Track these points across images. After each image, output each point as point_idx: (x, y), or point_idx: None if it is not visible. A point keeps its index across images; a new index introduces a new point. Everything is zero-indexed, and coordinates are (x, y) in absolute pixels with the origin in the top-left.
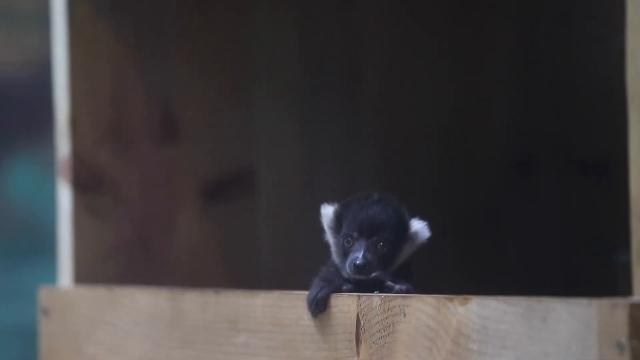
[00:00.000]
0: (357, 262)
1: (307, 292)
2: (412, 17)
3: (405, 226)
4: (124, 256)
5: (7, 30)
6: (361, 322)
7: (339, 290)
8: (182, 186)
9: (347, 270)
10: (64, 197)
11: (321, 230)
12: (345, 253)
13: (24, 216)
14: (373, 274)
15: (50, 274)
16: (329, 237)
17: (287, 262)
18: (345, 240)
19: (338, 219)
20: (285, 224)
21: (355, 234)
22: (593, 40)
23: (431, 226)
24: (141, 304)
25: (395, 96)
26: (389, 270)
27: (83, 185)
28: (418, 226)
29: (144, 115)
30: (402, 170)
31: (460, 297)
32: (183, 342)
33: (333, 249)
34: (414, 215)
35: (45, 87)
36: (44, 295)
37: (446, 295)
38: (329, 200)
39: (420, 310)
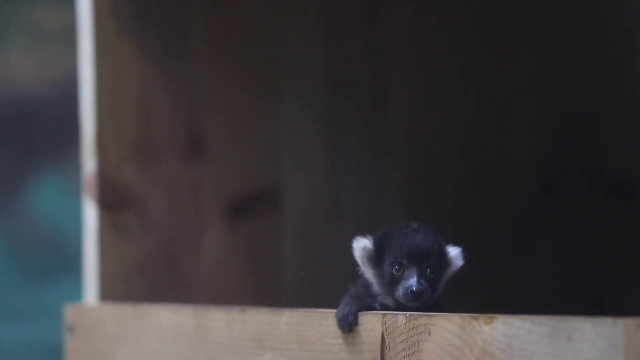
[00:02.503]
0: (414, 288)
1: (332, 310)
2: (439, 34)
3: (445, 253)
4: (150, 273)
5: (35, 48)
6: (386, 340)
7: (369, 308)
8: (208, 204)
9: (399, 297)
10: (90, 214)
11: (347, 250)
12: (393, 282)
13: (49, 233)
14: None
15: (75, 291)
16: (366, 269)
17: (312, 280)
18: (394, 268)
19: (378, 249)
20: (310, 242)
21: (404, 262)
22: (619, 59)
23: (458, 245)
24: (166, 322)
25: (421, 114)
26: (434, 298)
27: (109, 202)
28: (454, 253)
29: (169, 132)
30: (426, 189)
31: (486, 316)
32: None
33: (374, 280)
34: (446, 241)
35: (72, 104)
36: (70, 312)
37: (471, 314)
38: (354, 220)
39: (446, 328)
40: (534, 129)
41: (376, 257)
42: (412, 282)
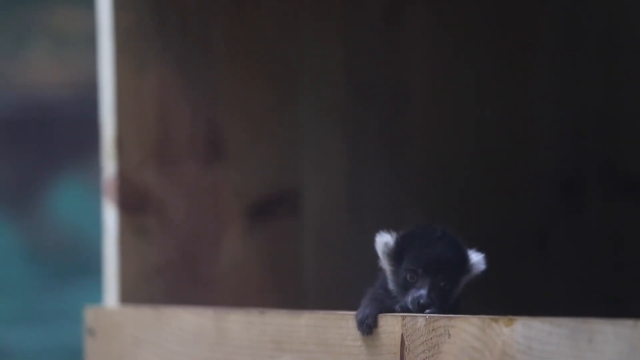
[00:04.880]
0: (422, 301)
1: (352, 312)
2: (458, 37)
3: (465, 260)
4: (170, 276)
5: (56, 52)
6: (405, 342)
7: (389, 310)
8: (227, 206)
9: (407, 303)
10: (110, 217)
11: (366, 252)
12: (406, 286)
13: (70, 236)
14: (427, 311)
15: (95, 293)
16: (385, 265)
17: (331, 282)
18: (409, 275)
19: (399, 249)
20: (329, 243)
21: (420, 271)
22: (638, 60)
23: (478, 249)
24: (186, 324)
25: (440, 117)
26: (446, 305)
27: (129, 205)
28: (476, 259)
29: (189, 134)
30: (445, 191)
31: (506, 318)
32: None
33: (390, 277)
34: (469, 246)
35: (93, 108)
36: (90, 315)
37: (491, 316)
38: (374, 222)
39: (465, 330)
40: (554, 131)
41: (396, 255)
42: (422, 293)
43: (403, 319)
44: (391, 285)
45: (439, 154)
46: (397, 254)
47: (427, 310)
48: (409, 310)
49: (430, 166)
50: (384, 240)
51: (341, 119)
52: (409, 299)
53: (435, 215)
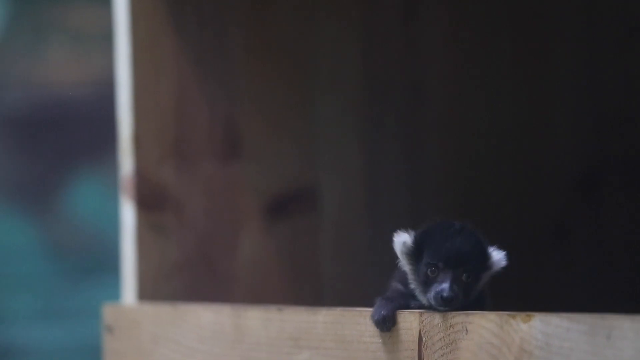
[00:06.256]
0: (445, 294)
1: (370, 309)
2: (476, 33)
3: (486, 256)
4: (187, 273)
5: (74, 50)
6: (423, 339)
7: (406, 307)
8: (245, 203)
9: (429, 299)
10: (128, 214)
11: (383, 249)
12: (427, 282)
13: (88, 234)
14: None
15: (114, 291)
16: (404, 264)
17: (349, 279)
18: (430, 269)
19: (418, 247)
20: (347, 241)
21: (440, 265)
22: None
23: (494, 245)
24: (204, 321)
25: (457, 114)
26: (467, 300)
27: (146, 202)
28: (497, 256)
29: (207, 132)
30: (463, 188)
31: (523, 314)
32: (245, 358)
33: (411, 276)
34: (489, 243)
35: (111, 106)
36: (108, 312)
37: (509, 312)
38: (391, 220)
39: (483, 327)
40: (571, 126)
41: (415, 254)
42: (445, 287)
43: (421, 316)
44: (412, 285)
45: (456, 151)
46: (416, 251)
47: (441, 308)
48: (423, 307)
49: (447, 163)
50: (401, 239)
51: (358, 117)
52: (431, 294)
53: (451, 212)
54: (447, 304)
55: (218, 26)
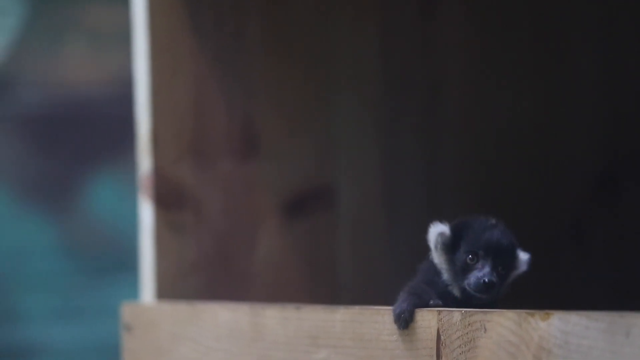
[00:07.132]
0: (487, 279)
1: (387, 307)
2: (494, 31)
3: (516, 254)
4: (205, 272)
5: (92, 49)
6: (442, 337)
7: (425, 305)
8: (263, 202)
9: (468, 286)
10: (146, 213)
11: (401, 246)
12: (464, 270)
13: (106, 233)
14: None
15: (132, 290)
16: (438, 254)
17: (366, 277)
18: (469, 257)
19: (455, 237)
20: (364, 239)
21: (481, 252)
22: None
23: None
24: (222, 320)
25: (476, 112)
26: (498, 295)
27: (164, 201)
28: (524, 258)
29: (225, 130)
30: (481, 187)
31: (542, 312)
32: (263, 357)
33: (446, 267)
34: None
35: (129, 105)
36: (126, 311)
37: (527, 310)
38: (409, 217)
39: (502, 325)
40: (589, 124)
41: (451, 244)
42: (486, 272)
43: (439, 314)
44: (445, 275)
45: (473, 149)
46: (453, 241)
47: (478, 295)
48: (447, 302)
49: (464, 161)
50: (438, 230)
51: (376, 114)
52: (470, 281)
53: (468, 210)
54: (488, 290)
55: (235, 24)
